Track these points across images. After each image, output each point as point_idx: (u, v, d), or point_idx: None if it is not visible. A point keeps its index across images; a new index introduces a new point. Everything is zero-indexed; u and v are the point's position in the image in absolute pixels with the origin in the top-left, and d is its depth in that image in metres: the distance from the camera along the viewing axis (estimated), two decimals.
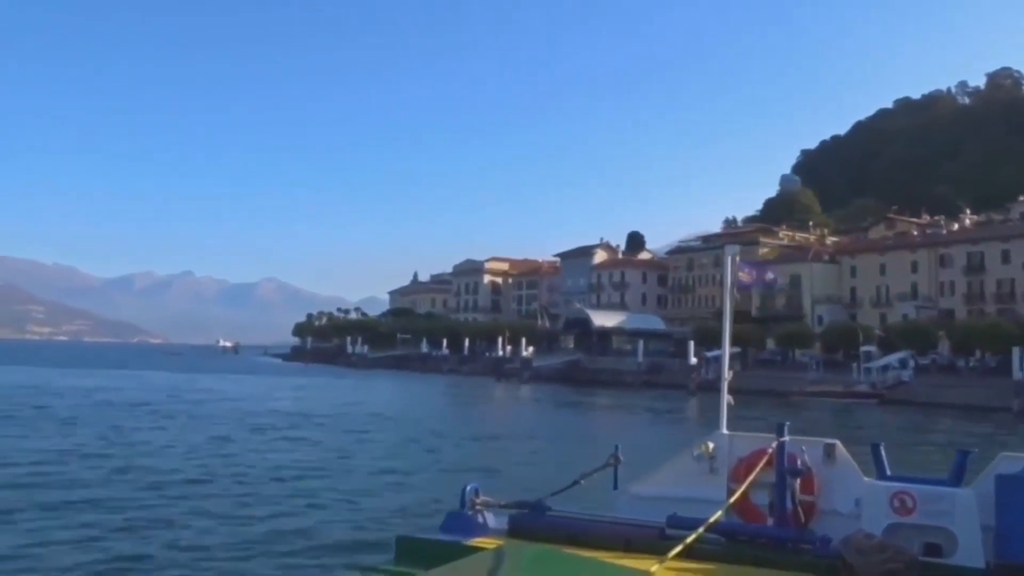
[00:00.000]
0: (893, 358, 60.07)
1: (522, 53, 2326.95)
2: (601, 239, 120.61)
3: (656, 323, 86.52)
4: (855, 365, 61.38)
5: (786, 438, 6.03)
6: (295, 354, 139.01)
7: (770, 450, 6.06)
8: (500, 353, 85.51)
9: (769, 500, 6.01)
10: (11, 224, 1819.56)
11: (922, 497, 5.69)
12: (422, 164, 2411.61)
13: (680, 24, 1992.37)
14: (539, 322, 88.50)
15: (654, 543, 5.42)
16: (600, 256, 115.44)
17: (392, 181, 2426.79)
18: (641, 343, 72.39)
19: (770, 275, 7.71)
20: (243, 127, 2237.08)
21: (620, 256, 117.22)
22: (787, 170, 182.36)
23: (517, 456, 21.80)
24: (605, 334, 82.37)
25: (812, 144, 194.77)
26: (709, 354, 67.32)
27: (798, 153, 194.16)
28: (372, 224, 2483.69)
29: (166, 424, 28.25)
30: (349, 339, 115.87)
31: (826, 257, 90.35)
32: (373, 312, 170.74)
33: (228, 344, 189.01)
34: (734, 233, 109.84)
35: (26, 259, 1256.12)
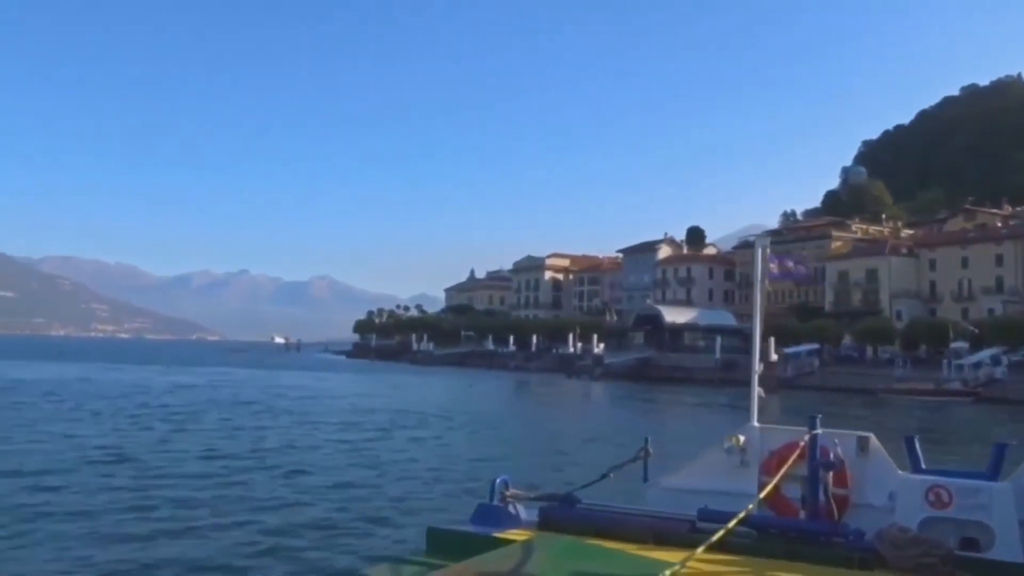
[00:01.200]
0: (985, 354, 57.94)
1: (577, 49, 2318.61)
2: (665, 234, 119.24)
3: (728, 319, 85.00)
4: (945, 362, 59.33)
5: (819, 431, 5.96)
6: (357, 351, 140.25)
7: (802, 443, 5.99)
8: (570, 350, 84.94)
9: (801, 493, 5.96)
10: (78, 225, 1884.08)
11: (958, 491, 5.63)
12: (474, 162, 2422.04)
13: (736, 13, 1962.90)
14: (607, 318, 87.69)
15: (684, 536, 5.42)
16: (664, 251, 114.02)
17: (443, 179, 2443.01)
18: (718, 339, 71.20)
19: (801, 268, 7.56)
20: (295, 127, 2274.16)
21: (685, 251, 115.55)
22: (847, 161, 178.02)
23: (600, 455, 21.28)
24: (676, 330, 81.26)
25: (874, 134, 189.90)
26: (788, 351, 66.02)
27: (859, 144, 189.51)
28: (422, 221, 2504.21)
29: (293, 424, 28.48)
30: (414, 336, 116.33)
31: (904, 251, 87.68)
32: (426, 309, 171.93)
33: (282, 340, 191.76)
34: (806, 227, 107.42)
35: (91, 259, 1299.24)
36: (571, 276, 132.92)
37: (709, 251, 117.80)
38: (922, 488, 5.73)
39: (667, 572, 3.89)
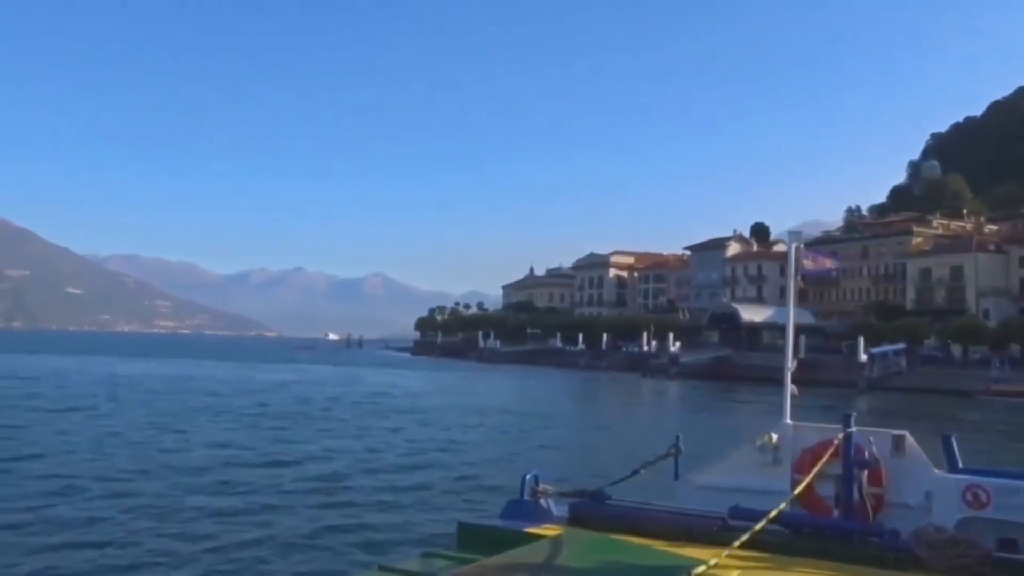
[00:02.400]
0: None
1: (633, 44, 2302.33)
2: (734, 231, 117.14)
3: (806, 317, 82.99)
4: None
5: (853, 429, 5.88)
6: (420, 348, 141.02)
7: (836, 441, 5.92)
8: (643, 348, 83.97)
9: (835, 492, 5.89)
10: (141, 225, 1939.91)
11: (997, 491, 5.55)
12: (527, 160, 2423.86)
13: (796, 5, 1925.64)
14: (680, 317, 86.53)
15: (716, 533, 5.33)
16: (733, 248, 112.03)
17: (493, 176, 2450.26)
18: (803, 338, 69.57)
19: (831, 262, 7.53)
20: (350, 127, 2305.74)
21: (754, 248, 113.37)
22: (914, 155, 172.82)
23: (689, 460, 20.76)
24: (754, 329, 79.71)
25: (942, 127, 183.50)
26: (876, 350, 64.12)
27: (927, 137, 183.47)
28: (474, 219, 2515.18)
29: (426, 423, 28.85)
30: (481, 333, 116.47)
31: (991, 247, 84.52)
32: (486, 306, 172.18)
33: (336, 337, 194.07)
34: (885, 222, 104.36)
35: (154, 257, 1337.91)
36: (636, 273, 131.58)
37: (779, 248, 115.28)
38: (959, 488, 5.64)
39: (699, 568, 3.83)
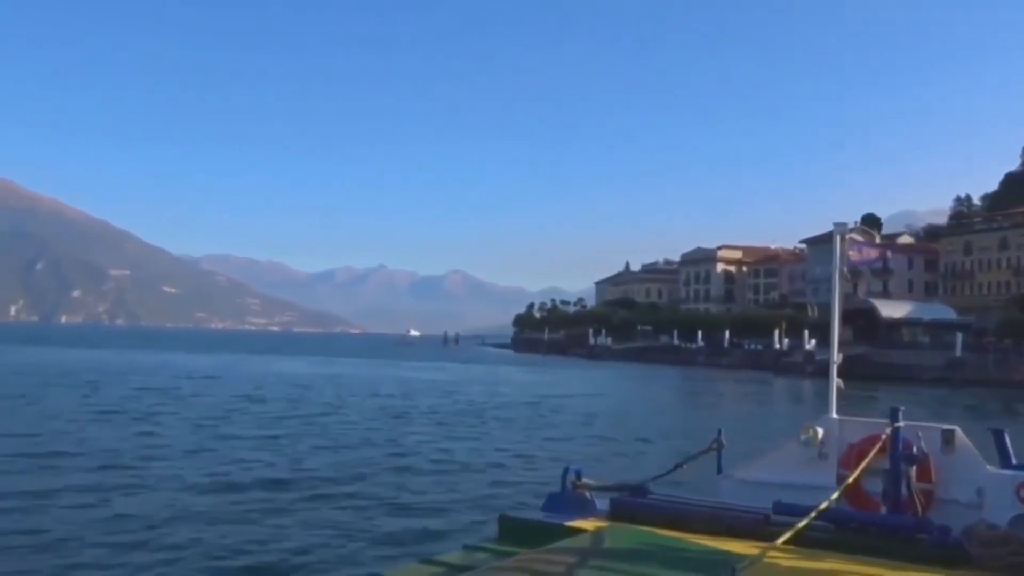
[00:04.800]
0: None
1: (723, 34, 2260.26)
2: (855, 223, 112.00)
3: (947, 313, 78.43)
4: None
5: (901, 423, 5.75)
6: (523, 344, 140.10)
7: (884, 436, 5.80)
8: (776, 345, 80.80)
9: (883, 488, 5.71)
10: (233, 225, 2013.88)
11: None
12: (601, 156, 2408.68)
13: None
14: (809, 313, 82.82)
15: (759, 529, 5.21)
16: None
17: (570, 173, 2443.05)
18: (959, 336, 65.54)
19: (877, 254, 7.93)
20: (429, 126, 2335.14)
21: (878, 240, 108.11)
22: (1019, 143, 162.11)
23: None
24: (892, 325, 75.68)
25: None
26: None
27: None
28: (550, 215, 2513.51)
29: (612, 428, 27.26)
30: (591, 331, 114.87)
31: None
32: (583, 303, 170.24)
33: (416, 334, 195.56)
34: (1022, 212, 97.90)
35: (244, 257, 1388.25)
36: (744, 268, 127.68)
37: (905, 240, 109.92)
38: (1013, 484, 5.53)
39: (743, 564, 3.78)
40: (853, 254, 7.13)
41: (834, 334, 6.73)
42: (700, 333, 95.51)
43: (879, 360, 71.79)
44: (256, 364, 62.78)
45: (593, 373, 68.52)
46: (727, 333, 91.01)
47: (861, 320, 78.79)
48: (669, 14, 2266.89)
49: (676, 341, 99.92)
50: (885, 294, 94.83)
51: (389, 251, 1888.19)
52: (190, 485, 13.91)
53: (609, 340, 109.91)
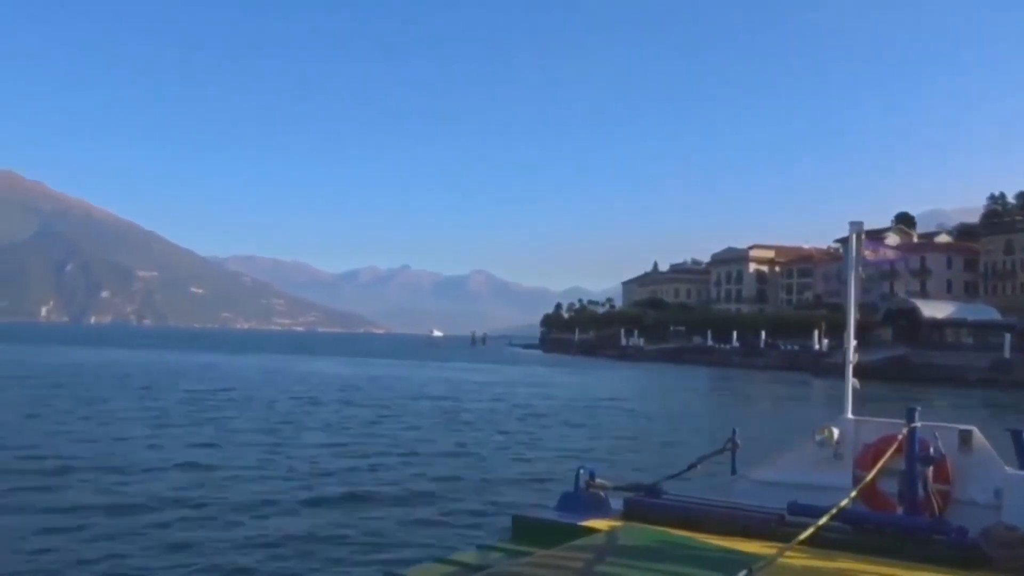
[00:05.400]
0: None
1: (752, 30, 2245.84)
2: (892, 222, 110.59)
3: (990, 313, 76.92)
4: None
5: (917, 424, 5.65)
6: (552, 345, 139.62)
7: (900, 436, 5.70)
8: (816, 346, 79.84)
9: (899, 488, 5.61)
10: (258, 226, 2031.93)
11: None
12: (626, 155, 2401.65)
13: None
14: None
15: (774, 529, 5.22)
16: (892, 240, 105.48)
17: (593, 173, 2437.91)
18: (1008, 337, 64.29)
19: (892, 254, 7.32)
20: (454, 127, 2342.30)
21: (916, 239, 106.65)
22: None
23: None
24: (935, 326, 74.39)
25: None
26: None
27: None
28: (574, 215, 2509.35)
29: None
30: (623, 331, 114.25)
31: None
32: (613, 303, 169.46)
33: (439, 334, 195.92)
34: None
35: (270, 257, 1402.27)
36: (777, 268, 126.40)
37: (942, 239, 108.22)
38: None
39: (759, 564, 3.80)
40: (869, 253, 6.65)
41: (849, 334, 6.68)
42: (735, 334, 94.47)
43: (922, 362, 70.67)
44: (296, 365, 63.00)
45: (630, 374, 68.07)
46: (763, 334, 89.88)
47: (903, 320, 77.68)
48: (691, 12, 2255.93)
49: (710, 342, 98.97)
50: (923, 294, 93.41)
51: (413, 252, 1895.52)
52: (265, 490, 13.80)
53: (641, 341, 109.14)
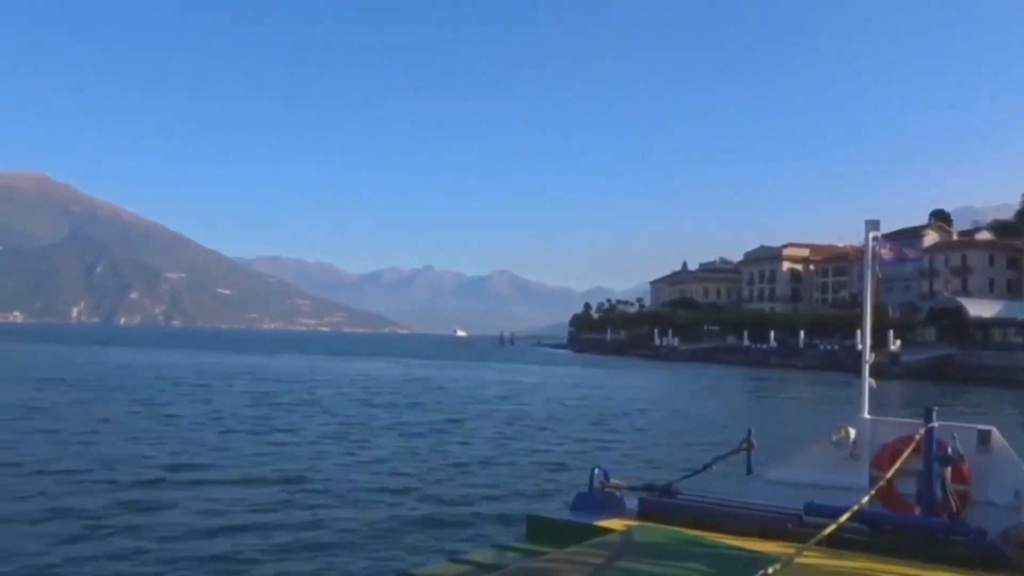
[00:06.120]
0: None
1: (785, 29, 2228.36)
2: (932, 219, 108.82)
3: None
4: None
5: (935, 423, 5.62)
6: (585, 344, 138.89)
7: (917, 436, 5.67)
8: (859, 346, 78.72)
9: (916, 489, 5.60)
10: (283, 227, 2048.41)
11: None
12: (651, 156, 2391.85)
13: None
14: (891, 312, 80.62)
15: (791, 530, 5.19)
16: (932, 237, 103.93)
17: (620, 171, 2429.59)
18: None
19: (911, 251, 7.25)
20: (479, 125, 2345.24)
21: (955, 237, 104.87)
22: None
23: None
24: (982, 325, 73.04)
25: None
26: None
27: None
28: (597, 215, 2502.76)
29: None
30: (657, 331, 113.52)
31: None
32: (641, 302, 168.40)
33: (463, 334, 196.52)
34: None
35: (294, 258, 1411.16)
36: (812, 267, 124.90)
37: (983, 236, 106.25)
38: None
39: (776, 565, 3.81)
40: (886, 252, 6.61)
41: (866, 334, 6.70)
42: (772, 334, 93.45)
43: (969, 362, 69.58)
44: (338, 365, 63.19)
45: (668, 375, 67.51)
46: (802, 333, 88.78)
47: (947, 320, 76.39)
48: (721, 4, 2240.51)
49: (746, 342, 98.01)
50: (964, 292, 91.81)
51: (436, 252, 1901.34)
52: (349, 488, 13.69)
53: (675, 341, 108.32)
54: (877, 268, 6.60)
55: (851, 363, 74.20)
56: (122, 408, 26.07)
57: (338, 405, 30.00)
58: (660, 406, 35.17)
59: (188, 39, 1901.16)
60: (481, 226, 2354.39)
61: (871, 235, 6.55)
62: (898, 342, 71.11)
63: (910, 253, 7.02)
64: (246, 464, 16.24)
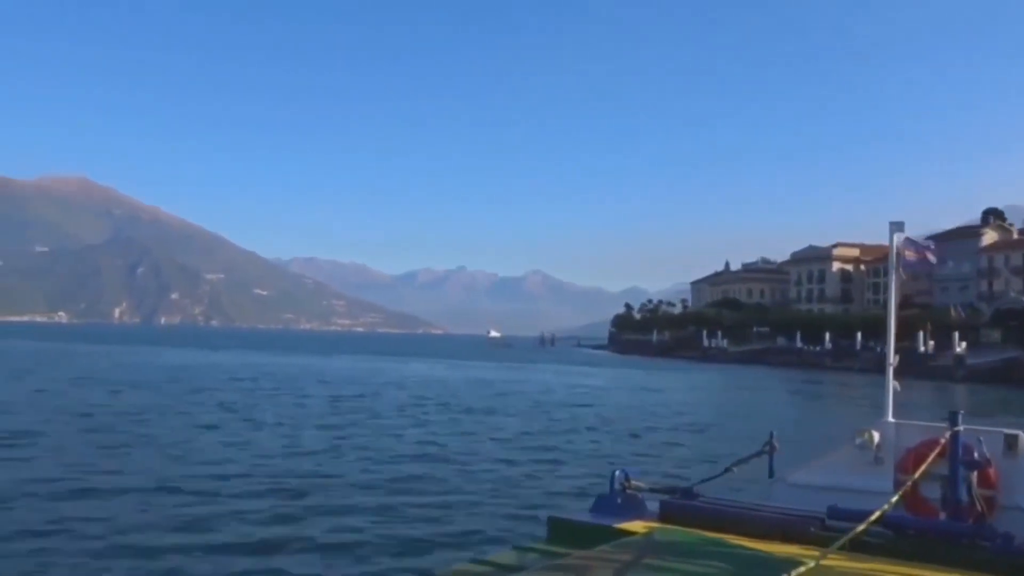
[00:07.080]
0: None
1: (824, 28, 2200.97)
2: (990, 219, 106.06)
3: None
4: None
5: (960, 427, 5.50)
6: (628, 346, 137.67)
7: (943, 440, 5.56)
8: (921, 348, 77.04)
9: (942, 493, 5.51)
10: (318, 228, 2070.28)
11: None
12: (684, 154, 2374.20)
13: None
14: (952, 314, 78.68)
15: (814, 534, 5.09)
16: (990, 237, 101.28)
17: (653, 170, 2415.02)
18: None
19: (932, 255, 6.80)
20: (506, 126, 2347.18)
21: (1015, 236, 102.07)
22: None
23: None
24: None
25: None
26: None
27: None
28: (626, 215, 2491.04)
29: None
30: (705, 332, 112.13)
31: None
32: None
33: (496, 334, 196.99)
34: None
35: (329, 259, 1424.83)
36: (862, 267, 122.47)
37: None
38: None
39: (800, 569, 3.76)
40: (909, 254, 6.48)
41: (890, 335, 6.60)
42: (828, 335, 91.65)
43: None
44: (396, 367, 63.07)
45: (721, 377, 66.47)
46: (859, 335, 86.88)
47: (1013, 321, 74.21)
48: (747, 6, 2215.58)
49: (799, 343, 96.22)
50: None
51: (469, 252, 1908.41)
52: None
53: (724, 342, 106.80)
54: (901, 269, 6.59)
55: (911, 365, 72.95)
56: (218, 414, 25.40)
57: (428, 411, 29.33)
58: (751, 411, 34.43)
59: (230, 44, 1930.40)
60: (514, 226, 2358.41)
61: (894, 236, 6.51)
62: (963, 344, 69.17)
63: (931, 256, 6.82)
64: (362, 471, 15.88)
